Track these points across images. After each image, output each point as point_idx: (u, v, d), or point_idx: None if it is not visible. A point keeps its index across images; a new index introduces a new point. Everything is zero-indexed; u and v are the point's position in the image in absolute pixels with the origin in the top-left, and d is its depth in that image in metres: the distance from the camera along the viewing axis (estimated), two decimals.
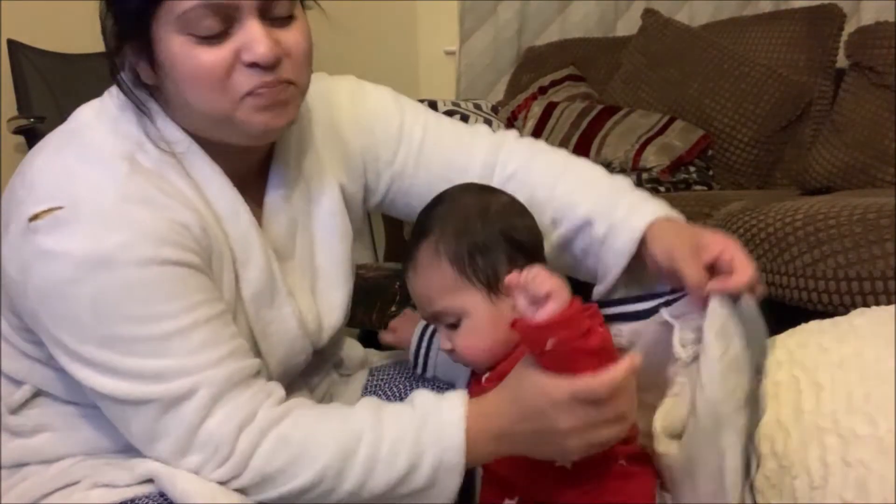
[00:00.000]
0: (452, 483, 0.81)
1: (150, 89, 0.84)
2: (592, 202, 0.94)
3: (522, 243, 0.89)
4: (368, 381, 1.11)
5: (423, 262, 0.90)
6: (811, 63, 2.75)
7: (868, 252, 1.65)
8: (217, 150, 0.86)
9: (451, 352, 0.92)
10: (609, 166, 2.80)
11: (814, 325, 1.00)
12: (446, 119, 1.07)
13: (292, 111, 0.85)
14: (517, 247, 0.89)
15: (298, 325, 0.92)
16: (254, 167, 0.91)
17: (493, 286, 0.88)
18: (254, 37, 0.79)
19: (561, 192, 0.97)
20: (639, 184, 2.69)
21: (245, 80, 0.80)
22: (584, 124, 2.92)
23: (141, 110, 0.83)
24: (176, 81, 0.80)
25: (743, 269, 0.84)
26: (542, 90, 3.23)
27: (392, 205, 1.04)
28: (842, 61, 2.73)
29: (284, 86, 0.82)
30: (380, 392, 1.09)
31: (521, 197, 0.97)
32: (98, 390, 0.78)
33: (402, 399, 1.08)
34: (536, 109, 3.08)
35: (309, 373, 1.01)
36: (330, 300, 0.96)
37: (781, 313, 1.83)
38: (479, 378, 0.93)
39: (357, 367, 1.12)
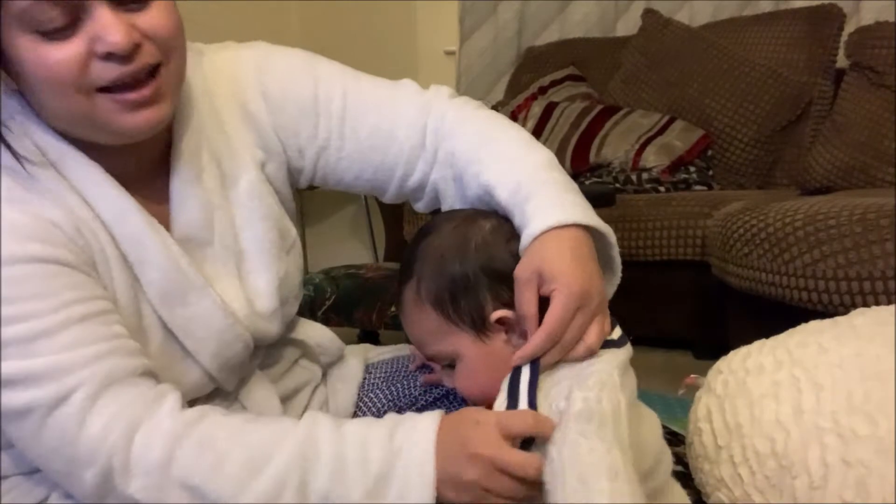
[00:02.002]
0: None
1: (17, 94, 0.79)
2: (508, 191, 0.85)
3: (506, 274, 0.82)
4: (366, 378, 1.10)
5: (408, 307, 0.87)
6: (811, 63, 2.75)
7: (868, 252, 1.65)
8: (100, 151, 0.81)
9: (451, 388, 0.89)
10: (609, 166, 2.80)
11: (814, 325, 1.00)
12: (366, 79, 0.97)
13: (168, 104, 0.79)
14: (501, 279, 0.82)
15: (225, 315, 0.86)
16: (155, 159, 0.86)
17: (479, 326, 0.83)
18: (104, 24, 0.72)
19: (482, 170, 0.89)
20: (639, 183, 2.70)
21: (103, 74, 0.74)
22: (584, 124, 2.92)
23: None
24: (30, 84, 0.75)
25: (539, 330, 0.77)
26: (542, 90, 3.23)
27: (325, 180, 0.97)
28: (842, 61, 2.73)
29: (153, 81, 0.76)
30: (378, 390, 1.09)
31: (444, 161, 0.92)
32: None
33: (398, 397, 1.07)
34: (536, 109, 3.08)
35: (265, 363, 0.98)
36: (257, 284, 0.91)
37: (781, 313, 1.84)
38: None
39: (335, 355, 1.08)
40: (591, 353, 0.78)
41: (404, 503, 0.73)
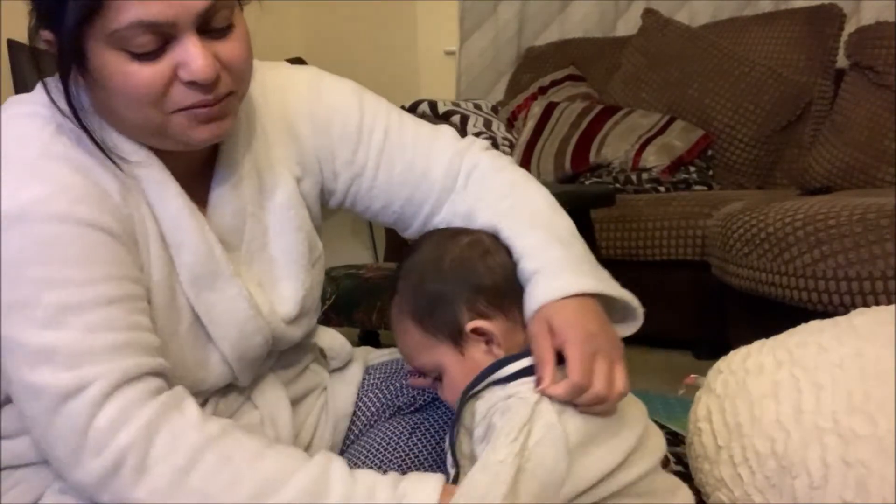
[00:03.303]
0: None
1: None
2: (526, 253, 0.87)
3: (485, 287, 0.85)
4: (365, 379, 1.10)
5: (394, 322, 0.90)
6: (811, 63, 2.75)
7: (868, 252, 1.65)
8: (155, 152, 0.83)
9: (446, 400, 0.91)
10: (609, 166, 2.80)
11: (814, 325, 1.00)
12: (409, 118, 1.01)
13: (231, 120, 0.83)
14: (478, 290, 0.85)
15: (248, 306, 0.88)
16: (200, 161, 0.89)
17: (456, 338, 0.85)
18: (192, 55, 0.75)
19: (503, 227, 0.91)
20: (639, 183, 2.70)
21: (182, 97, 0.77)
22: (584, 124, 2.92)
23: (71, 107, 0.80)
24: (108, 93, 0.77)
25: (571, 372, 0.78)
26: (542, 90, 3.24)
27: (353, 205, 1.00)
28: (842, 61, 2.73)
29: (224, 100, 0.80)
30: (377, 390, 1.09)
31: (462, 209, 0.95)
32: (10, 376, 0.75)
33: (397, 397, 1.08)
34: (536, 109, 3.08)
35: (280, 366, 0.99)
36: (282, 291, 0.94)
37: (781, 313, 1.84)
38: None
39: (345, 359, 1.10)
40: (621, 398, 0.80)
41: None
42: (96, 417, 0.73)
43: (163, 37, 0.75)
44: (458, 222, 0.96)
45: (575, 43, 3.36)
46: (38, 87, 0.84)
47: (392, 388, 1.09)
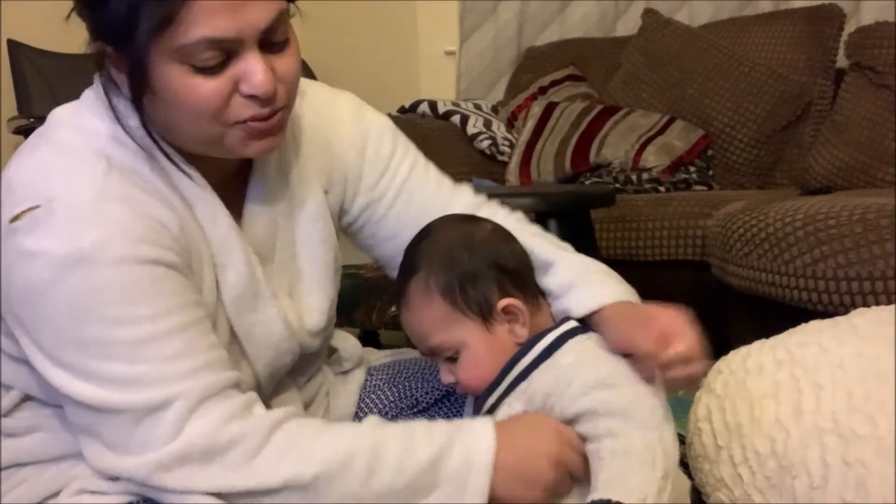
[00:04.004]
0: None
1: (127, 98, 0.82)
2: (570, 270, 0.95)
3: (510, 269, 0.90)
4: (367, 380, 1.10)
5: (415, 299, 0.90)
6: (811, 63, 2.75)
7: (868, 252, 1.65)
8: (192, 158, 0.85)
9: (454, 384, 0.92)
10: (609, 166, 2.80)
11: (814, 325, 1.00)
12: (434, 167, 1.06)
13: (283, 135, 0.85)
14: (505, 273, 0.89)
15: (285, 327, 0.91)
16: (234, 169, 0.91)
17: (486, 315, 0.88)
18: (254, 69, 0.77)
19: (547, 256, 0.97)
20: (639, 183, 2.70)
21: (241, 110, 0.79)
22: (584, 124, 2.92)
23: (115, 115, 0.82)
24: (167, 105, 0.79)
25: (684, 337, 0.87)
26: (542, 90, 3.23)
27: (361, 230, 1.03)
28: (842, 61, 2.73)
29: (278, 114, 0.82)
30: (379, 392, 1.09)
31: None
32: (73, 396, 0.77)
33: (400, 398, 1.08)
34: (536, 109, 3.08)
35: (297, 372, 1.00)
36: (310, 303, 0.96)
37: (781, 313, 1.84)
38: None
39: (356, 362, 1.12)
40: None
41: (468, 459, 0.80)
42: (183, 431, 0.76)
43: (226, 52, 0.76)
44: None
45: (575, 43, 3.36)
46: (77, 107, 0.85)
47: (395, 389, 1.09)
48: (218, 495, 0.77)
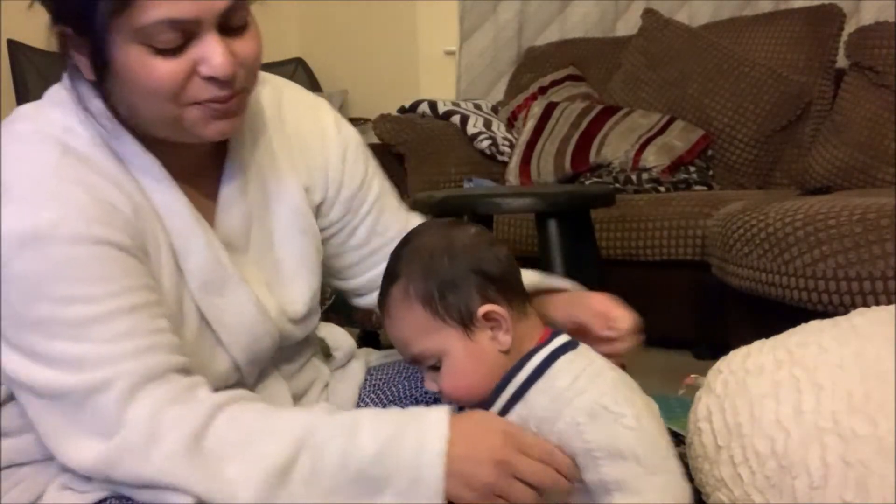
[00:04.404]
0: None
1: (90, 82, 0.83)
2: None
3: (493, 274, 0.87)
4: (367, 380, 1.11)
5: (395, 306, 0.89)
6: (811, 63, 2.75)
7: (868, 252, 1.65)
8: (156, 144, 0.85)
9: (438, 393, 0.91)
10: (609, 166, 2.80)
11: (814, 325, 1.00)
12: (388, 186, 1.11)
13: (242, 117, 0.86)
14: (488, 278, 0.87)
15: (257, 310, 0.91)
16: (203, 158, 0.91)
17: (467, 322, 0.86)
18: (213, 51, 0.78)
19: None
20: (639, 183, 2.70)
21: (200, 92, 0.80)
22: (584, 124, 2.92)
23: (81, 101, 0.83)
24: (127, 87, 0.79)
25: (621, 314, 0.94)
26: (542, 90, 3.24)
27: (332, 237, 1.04)
28: (842, 61, 2.73)
29: (237, 96, 0.82)
30: (378, 391, 1.09)
31: None
32: (21, 379, 0.78)
33: (399, 398, 1.08)
34: (536, 109, 3.08)
35: (283, 361, 1.00)
36: (291, 292, 0.97)
37: (781, 313, 1.84)
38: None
39: (348, 352, 1.12)
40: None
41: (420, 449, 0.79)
42: (126, 411, 0.76)
43: (185, 34, 0.77)
44: None
45: (575, 43, 3.36)
46: (40, 102, 0.86)
47: (395, 388, 1.09)
48: (168, 487, 0.76)
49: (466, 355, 0.87)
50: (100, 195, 0.80)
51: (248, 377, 0.94)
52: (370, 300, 1.09)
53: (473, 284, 0.86)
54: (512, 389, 0.86)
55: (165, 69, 0.77)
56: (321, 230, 1.03)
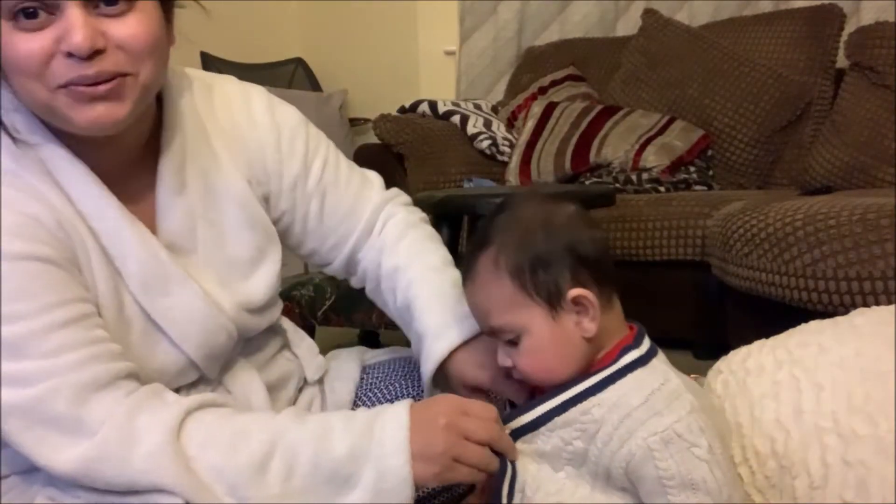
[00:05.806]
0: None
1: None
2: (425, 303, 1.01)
3: (587, 258, 0.83)
4: (363, 379, 1.10)
5: (482, 274, 0.85)
6: (811, 63, 2.75)
7: (868, 252, 1.65)
8: (80, 146, 0.83)
9: (510, 369, 0.88)
10: (609, 166, 2.80)
11: (814, 325, 1.00)
12: (343, 158, 1.09)
13: (127, 106, 0.80)
14: (582, 261, 0.83)
15: (207, 305, 0.90)
16: (136, 160, 0.89)
17: (554, 302, 0.82)
18: (72, 25, 0.75)
19: (406, 274, 1.04)
20: (639, 183, 2.70)
21: (63, 71, 0.76)
22: (584, 124, 2.92)
23: None
24: (4, 69, 0.78)
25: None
26: (542, 90, 3.24)
27: (289, 227, 1.04)
28: (842, 61, 2.73)
29: (117, 80, 0.78)
30: (375, 390, 1.09)
31: (373, 262, 1.06)
32: None
33: (396, 397, 1.08)
34: (536, 109, 3.08)
35: (251, 352, 1.00)
36: (249, 286, 0.96)
37: (781, 313, 1.84)
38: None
39: (311, 347, 1.12)
40: None
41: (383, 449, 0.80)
42: (80, 413, 0.75)
43: (49, 7, 0.75)
44: (373, 267, 1.06)
45: (575, 43, 3.36)
46: None
47: (392, 388, 1.09)
48: (153, 489, 0.76)
49: (549, 336, 0.83)
50: (18, 208, 0.78)
51: (209, 372, 0.93)
52: (359, 282, 1.11)
53: (567, 265, 0.82)
54: (571, 394, 0.83)
55: (28, 46, 0.75)
56: (275, 221, 1.02)
